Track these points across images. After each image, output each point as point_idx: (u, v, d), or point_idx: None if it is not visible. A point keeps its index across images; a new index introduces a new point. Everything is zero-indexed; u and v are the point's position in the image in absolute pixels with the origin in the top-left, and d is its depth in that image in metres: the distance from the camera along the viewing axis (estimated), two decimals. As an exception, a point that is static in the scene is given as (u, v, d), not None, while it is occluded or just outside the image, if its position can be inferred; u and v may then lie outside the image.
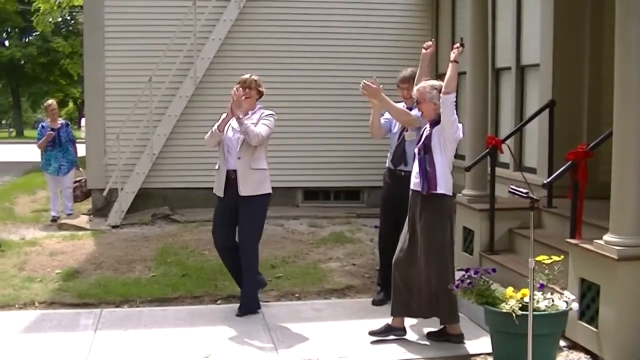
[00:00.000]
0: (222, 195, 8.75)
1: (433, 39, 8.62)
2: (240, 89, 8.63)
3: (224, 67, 15.10)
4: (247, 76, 8.83)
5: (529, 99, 11.71)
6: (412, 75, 8.76)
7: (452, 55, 7.54)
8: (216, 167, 8.93)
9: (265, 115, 8.76)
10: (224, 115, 8.69)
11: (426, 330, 7.93)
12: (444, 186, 7.41)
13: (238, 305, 8.92)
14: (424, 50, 8.56)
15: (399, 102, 8.75)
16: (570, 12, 10.51)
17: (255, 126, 8.55)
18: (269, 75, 15.19)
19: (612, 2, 7.08)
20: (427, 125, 7.59)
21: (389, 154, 9.00)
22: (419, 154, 7.49)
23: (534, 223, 6.11)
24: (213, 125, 8.77)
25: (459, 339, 7.71)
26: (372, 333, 7.72)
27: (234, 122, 8.66)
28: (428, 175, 7.37)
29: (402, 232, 7.78)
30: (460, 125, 7.51)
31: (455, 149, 7.59)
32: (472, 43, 10.31)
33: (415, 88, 7.80)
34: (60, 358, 7.41)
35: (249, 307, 8.87)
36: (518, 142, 11.70)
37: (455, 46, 7.68)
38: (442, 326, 7.77)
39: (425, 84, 7.64)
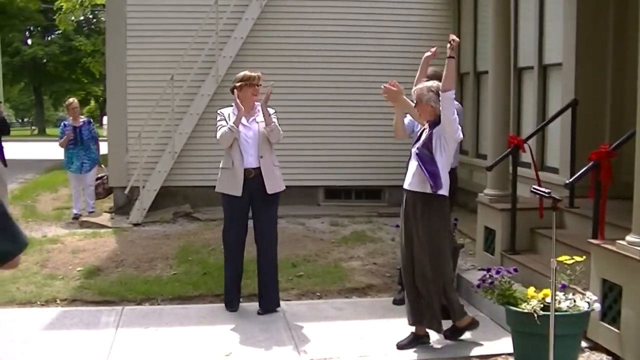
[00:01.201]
0: (239, 195, 8.72)
1: (436, 48, 8.39)
2: (257, 89, 8.71)
3: (246, 66, 14.94)
4: (253, 73, 8.82)
5: (551, 98, 11.66)
6: (435, 74, 8.67)
7: (448, 51, 7.42)
8: (222, 166, 8.90)
9: (273, 114, 8.79)
10: (230, 113, 8.73)
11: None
12: (444, 187, 7.38)
13: (258, 303, 8.95)
14: (427, 53, 8.46)
15: None
16: (593, 11, 10.46)
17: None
18: (291, 74, 15.27)
19: (635, 1, 7.05)
20: (427, 126, 7.54)
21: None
22: (418, 154, 7.44)
23: (555, 223, 6.09)
24: (218, 124, 8.80)
25: (473, 326, 7.78)
26: (400, 347, 7.64)
27: (243, 119, 8.68)
28: (434, 175, 7.29)
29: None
30: (460, 127, 7.45)
31: (454, 150, 7.54)
32: (494, 42, 10.28)
33: (413, 89, 7.73)
34: (81, 355, 7.45)
35: (272, 304, 8.92)
36: (540, 141, 11.66)
37: (450, 41, 7.52)
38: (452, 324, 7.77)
39: (422, 85, 7.58)
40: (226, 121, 8.73)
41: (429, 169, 7.28)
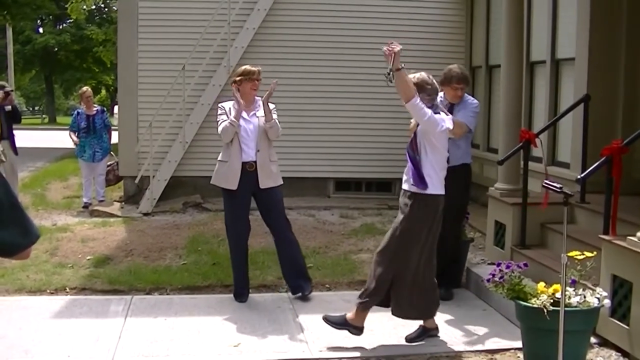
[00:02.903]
0: (234, 188, 8.72)
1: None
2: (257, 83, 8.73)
3: (258, 57, 15.08)
4: (254, 68, 8.82)
5: (564, 93, 11.63)
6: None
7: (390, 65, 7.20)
8: (219, 158, 8.91)
9: (274, 109, 8.80)
10: (231, 107, 8.76)
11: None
12: (430, 187, 7.33)
13: (260, 293, 9.12)
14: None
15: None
16: (607, 6, 10.42)
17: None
18: (302, 65, 15.27)
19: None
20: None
21: None
22: (407, 152, 7.45)
23: (566, 218, 6.07)
24: (220, 118, 8.81)
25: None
26: (409, 340, 7.63)
27: (244, 113, 8.69)
28: (415, 175, 7.31)
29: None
30: (441, 117, 7.33)
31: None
32: (506, 36, 10.25)
33: None
34: (90, 344, 7.46)
35: (306, 286, 9.07)
36: (552, 136, 11.63)
37: (385, 52, 7.25)
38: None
39: None
40: (227, 115, 8.73)
41: (412, 168, 7.34)
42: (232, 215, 8.95)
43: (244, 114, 8.71)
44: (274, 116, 8.78)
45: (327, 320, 7.61)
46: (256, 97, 8.88)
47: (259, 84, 8.79)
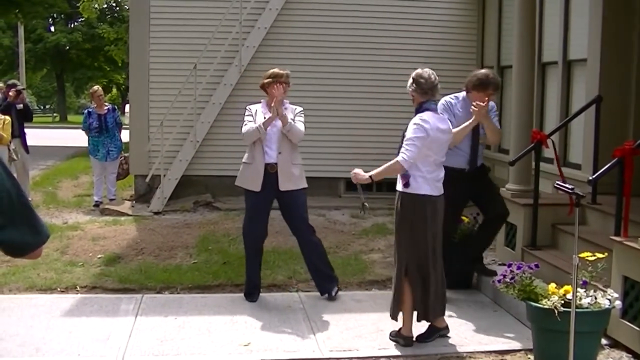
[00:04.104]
0: (258, 190, 8.73)
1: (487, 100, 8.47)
2: (281, 86, 8.68)
3: (269, 56, 15.12)
4: (282, 71, 8.81)
5: (575, 94, 11.61)
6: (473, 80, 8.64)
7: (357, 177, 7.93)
8: (244, 160, 8.91)
9: (299, 112, 8.82)
10: (258, 109, 8.76)
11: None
12: (412, 187, 7.36)
13: (270, 293, 9.05)
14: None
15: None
16: (619, 7, 10.39)
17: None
18: (314, 65, 15.27)
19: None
20: None
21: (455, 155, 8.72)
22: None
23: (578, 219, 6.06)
24: (245, 119, 8.81)
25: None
26: (419, 340, 7.62)
27: (268, 115, 8.68)
28: (401, 176, 7.45)
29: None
30: (418, 127, 7.32)
31: (427, 147, 7.43)
32: (518, 36, 10.24)
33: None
34: (101, 342, 7.47)
35: (332, 286, 9.08)
36: (563, 137, 11.61)
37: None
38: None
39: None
40: (253, 117, 8.73)
41: None
42: (251, 216, 8.95)
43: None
44: (300, 119, 8.80)
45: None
46: (284, 100, 8.86)
47: (287, 87, 8.78)
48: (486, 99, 8.33)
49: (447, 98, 8.74)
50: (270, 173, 8.68)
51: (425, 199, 7.34)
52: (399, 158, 7.31)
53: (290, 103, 8.94)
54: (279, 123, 8.66)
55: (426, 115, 7.35)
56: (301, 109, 8.91)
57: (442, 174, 7.49)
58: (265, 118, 8.66)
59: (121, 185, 16.69)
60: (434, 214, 7.39)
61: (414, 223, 7.38)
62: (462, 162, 8.72)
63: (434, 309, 7.50)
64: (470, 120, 8.35)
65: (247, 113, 8.88)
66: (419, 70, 7.52)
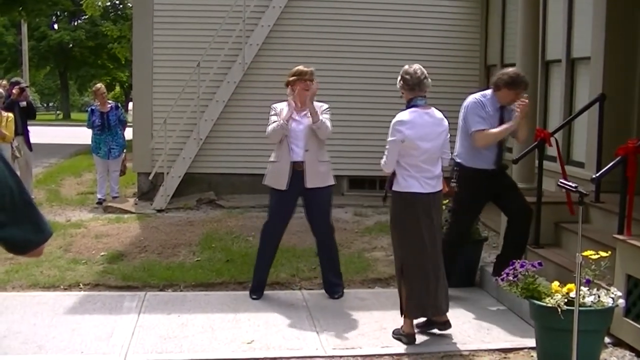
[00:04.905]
0: (284, 188, 8.73)
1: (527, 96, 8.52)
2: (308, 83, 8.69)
3: (273, 54, 15.13)
4: (307, 68, 8.83)
5: (579, 92, 11.60)
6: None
7: None
8: (271, 159, 8.91)
9: (325, 110, 8.81)
10: (284, 107, 8.75)
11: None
12: (402, 182, 7.46)
13: (274, 291, 9.12)
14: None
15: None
16: (623, 5, 10.38)
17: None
18: (317, 63, 15.16)
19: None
20: None
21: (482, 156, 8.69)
22: None
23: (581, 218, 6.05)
24: (271, 118, 8.81)
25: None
26: (418, 327, 7.66)
27: (294, 114, 8.68)
28: (391, 174, 7.61)
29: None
30: (391, 131, 7.53)
31: (410, 147, 7.45)
32: (522, 35, 10.23)
33: None
34: (104, 339, 7.48)
35: (337, 290, 9.08)
36: (567, 135, 11.60)
37: None
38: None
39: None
40: (278, 116, 8.74)
41: None
42: (274, 214, 8.96)
43: (295, 115, 8.72)
44: (327, 116, 8.79)
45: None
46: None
47: (311, 84, 8.78)
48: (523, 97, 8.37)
49: (477, 97, 8.67)
50: (297, 171, 8.69)
51: (414, 196, 7.41)
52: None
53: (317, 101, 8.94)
54: (305, 120, 8.67)
55: (406, 114, 7.48)
56: (327, 106, 8.91)
57: (436, 171, 7.51)
58: (292, 117, 8.68)
59: (124, 182, 16.69)
60: (426, 212, 7.42)
61: (406, 221, 7.44)
62: (489, 163, 8.68)
63: (431, 307, 7.50)
64: (512, 122, 8.40)
65: (272, 112, 8.88)
66: (406, 67, 7.58)
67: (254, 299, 8.90)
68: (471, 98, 8.66)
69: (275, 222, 8.94)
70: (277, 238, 9.02)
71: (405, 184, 7.39)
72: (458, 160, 8.68)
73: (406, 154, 7.38)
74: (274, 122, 8.72)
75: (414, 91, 7.45)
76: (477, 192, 8.69)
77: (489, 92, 8.66)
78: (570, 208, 8.71)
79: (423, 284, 7.42)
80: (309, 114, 8.64)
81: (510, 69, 8.84)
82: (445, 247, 8.04)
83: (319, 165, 8.77)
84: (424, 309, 7.50)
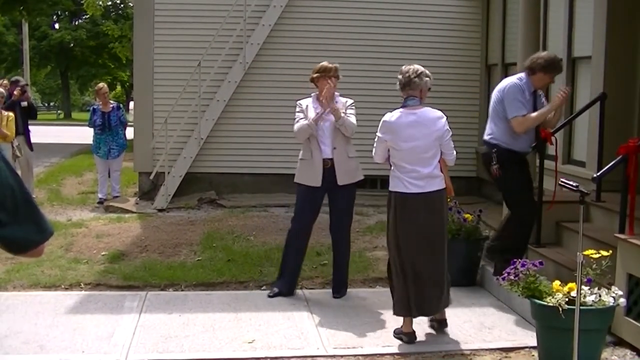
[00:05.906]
0: (319, 185, 8.74)
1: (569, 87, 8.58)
2: (331, 79, 8.66)
3: (274, 54, 15.13)
4: (331, 65, 8.82)
5: (580, 91, 11.59)
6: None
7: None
8: (300, 157, 8.91)
9: (350, 105, 8.81)
10: (309, 104, 8.79)
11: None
12: (397, 182, 7.47)
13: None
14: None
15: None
16: (624, 4, 10.37)
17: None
18: (317, 62, 15.19)
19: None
20: None
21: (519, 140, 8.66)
22: None
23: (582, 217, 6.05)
24: (297, 115, 8.82)
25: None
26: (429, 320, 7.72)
27: (319, 110, 8.67)
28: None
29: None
30: (380, 127, 7.63)
31: (394, 147, 7.49)
32: (523, 33, 10.22)
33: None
34: (105, 339, 7.48)
35: (341, 290, 9.10)
36: (568, 135, 11.60)
37: None
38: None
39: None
40: (304, 113, 8.73)
41: None
42: (302, 210, 8.99)
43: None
44: (352, 111, 8.80)
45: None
46: (335, 93, 8.83)
47: (336, 80, 8.76)
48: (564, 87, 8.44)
49: (515, 80, 8.62)
50: (326, 168, 8.70)
51: (399, 196, 7.44)
52: None
53: (341, 96, 8.94)
54: (331, 117, 8.66)
55: (391, 114, 7.55)
56: (352, 101, 8.90)
57: (424, 170, 7.39)
58: (316, 113, 8.68)
59: (125, 182, 16.70)
60: (409, 213, 7.39)
61: (394, 220, 7.47)
62: (527, 146, 8.73)
63: (415, 307, 7.47)
64: (551, 105, 8.55)
65: (297, 109, 8.88)
66: (403, 66, 7.56)
67: (273, 294, 8.98)
68: (509, 81, 8.63)
69: (303, 217, 8.97)
70: (306, 233, 9.07)
71: (392, 183, 7.51)
72: (495, 142, 8.62)
73: (392, 153, 7.46)
74: (301, 118, 8.72)
75: (405, 90, 7.48)
76: (522, 167, 8.69)
77: (523, 75, 8.63)
78: (552, 202, 8.69)
79: (401, 284, 7.43)
80: (339, 109, 8.63)
81: (544, 53, 8.87)
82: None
83: (349, 162, 8.81)
84: (407, 308, 7.48)
